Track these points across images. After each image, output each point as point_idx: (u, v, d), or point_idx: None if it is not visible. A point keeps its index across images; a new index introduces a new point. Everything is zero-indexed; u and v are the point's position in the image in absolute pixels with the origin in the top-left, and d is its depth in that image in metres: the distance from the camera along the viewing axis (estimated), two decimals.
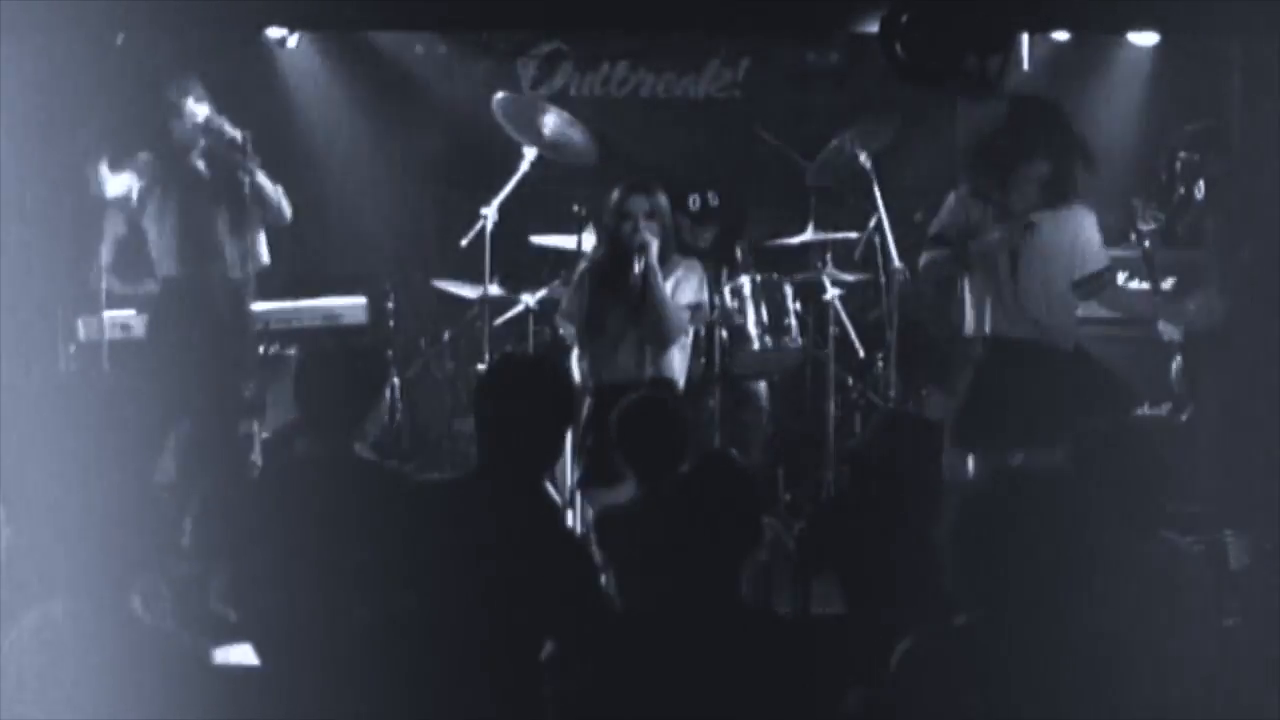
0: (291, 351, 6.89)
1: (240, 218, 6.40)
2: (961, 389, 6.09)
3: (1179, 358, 6.48)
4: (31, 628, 3.41)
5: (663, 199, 6.26)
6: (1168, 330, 6.45)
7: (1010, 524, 3.00)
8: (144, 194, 6.36)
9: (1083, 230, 5.89)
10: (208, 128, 6.31)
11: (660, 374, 6.23)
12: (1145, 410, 7.07)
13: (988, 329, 5.92)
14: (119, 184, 6.38)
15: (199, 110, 6.33)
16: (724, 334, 6.90)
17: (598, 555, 4.80)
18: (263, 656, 4.24)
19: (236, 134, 6.30)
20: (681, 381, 6.35)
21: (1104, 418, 5.76)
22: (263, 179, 6.36)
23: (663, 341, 6.21)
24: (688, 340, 6.42)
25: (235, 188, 6.35)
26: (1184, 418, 6.50)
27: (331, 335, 6.97)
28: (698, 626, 3.39)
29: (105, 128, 6.59)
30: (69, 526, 3.48)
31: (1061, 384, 5.80)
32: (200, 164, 6.40)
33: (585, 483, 6.06)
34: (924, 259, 6.12)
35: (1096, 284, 5.96)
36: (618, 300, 6.24)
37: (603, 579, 4.79)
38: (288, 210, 6.48)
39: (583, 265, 6.46)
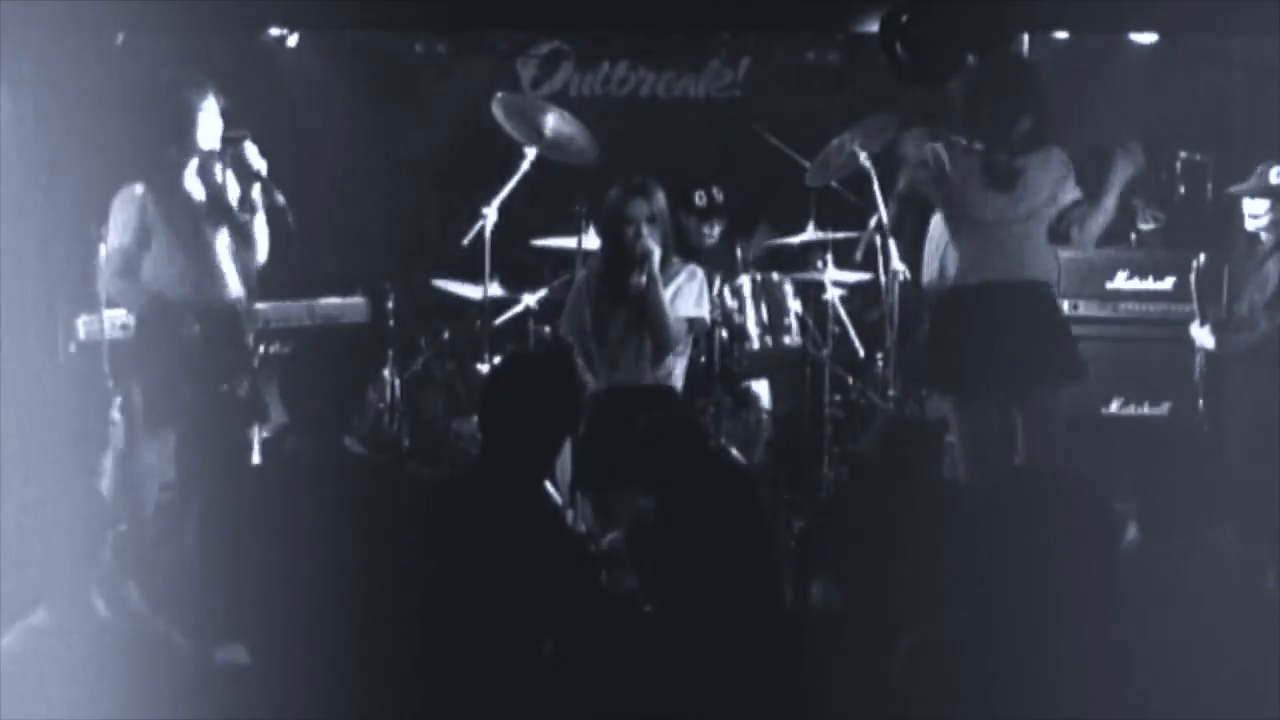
0: (290, 350, 6.89)
1: (239, 240, 6.33)
2: (935, 327, 6.07)
3: (1200, 358, 6.48)
4: (16, 634, 3.41)
5: (662, 202, 6.25)
6: (1200, 336, 6.44)
7: (1013, 523, 3.00)
8: (145, 207, 6.27)
9: (1058, 168, 5.87)
10: (231, 152, 6.20)
11: (659, 380, 6.24)
12: (1144, 410, 7.09)
13: (955, 271, 5.90)
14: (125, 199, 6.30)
15: (215, 126, 6.22)
16: (724, 334, 6.90)
17: (628, 561, 4.82)
18: (257, 656, 4.23)
19: (261, 166, 6.20)
20: (680, 384, 6.35)
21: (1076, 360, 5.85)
22: (260, 221, 6.27)
23: (659, 351, 6.21)
24: (686, 345, 6.43)
25: (235, 213, 6.28)
26: (1197, 419, 6.53)
27: (319, 334, 6.96)
28: (699, 626, 3.39)
29: (108, 138, 6.54)
30: (57, 528, 3.48)
31: (1035, 321, 5.81)
32: (203, 182, 6.30)
33: (585, 484, 6.07)
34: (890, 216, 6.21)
35: (1071, 217, 5.93)
36: (619, 306, 6.24)
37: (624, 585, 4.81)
38: (264, 256, 6.38)
39: (581, 274, 6.46)
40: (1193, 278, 6.58)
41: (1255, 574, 4.22)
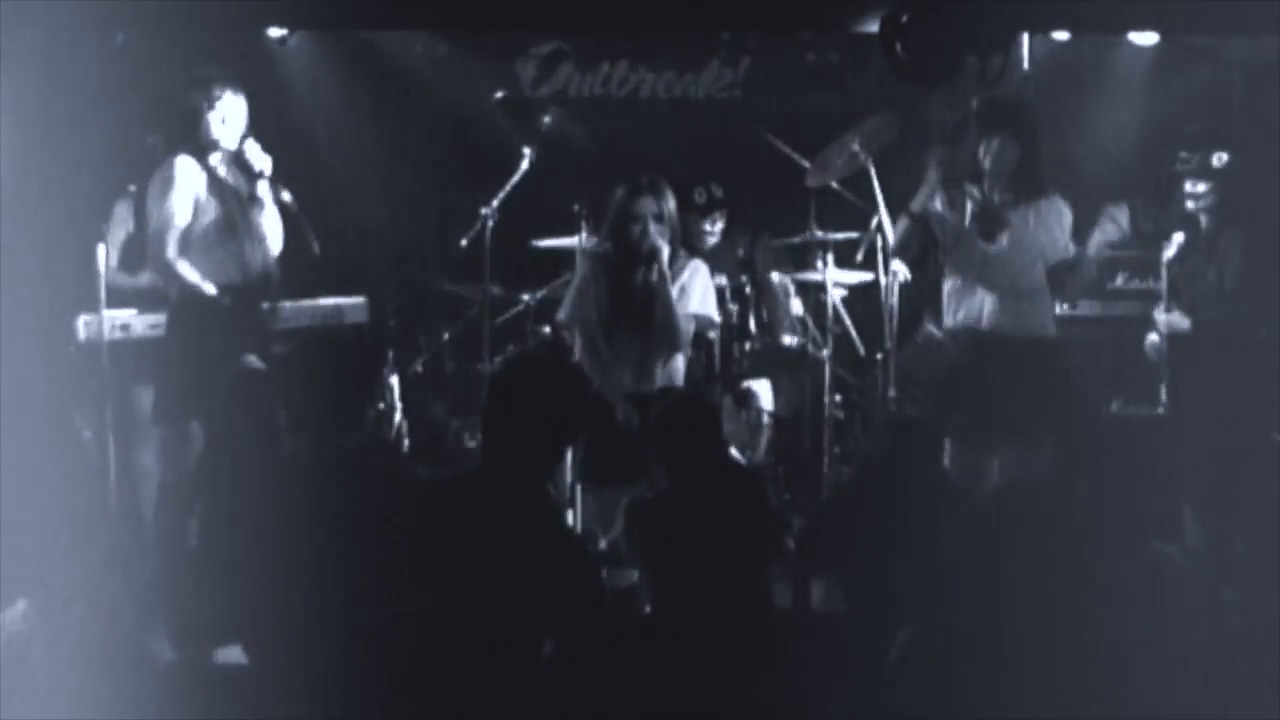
0: (290, 351, 6.88)
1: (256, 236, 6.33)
2: (939, 380, 6.15)
3: (1153, 338, 6.46)
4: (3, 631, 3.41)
5: (670, 199, 6.26)
6: (1171, 321, 6.43)
7: (1008, 529, 3.01)
8: (167, 194, 6.26)
9: (1056, 222, 5.93)
10: (238, 148, 6.20)
11: (671, 380, 6.23)
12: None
13: (961, 318, 6.03)
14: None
15: (236, 119, 6.22)
16: (724, 334, 6.90)
17: (623, 545, 4.82)
18: (254, 657, 4.23)
19: (265, 165, 6.22)
20: (680, 384, 6.34)
21: (1073, 417, 5.89)
22: (267, 217, 6.28)
23: (669, 350, 6.21)
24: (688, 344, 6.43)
25: (252, 209, 6.29)
26: (1159, 411, 6.54)
27: (319, 334, 6.96)
28: (698, 625, 3.40)
29: (108, 138, 6.54)
30: (56, 528, 3.49)
31: (1032, 376, 5.87)
32: (229, 175, 6.30)
33: (586, 482, 6.07)
34: (897, 233, 6.25)
35: (1064, 273, 6.01)
36: (625, 303, 6.23)
37: (627, 574, 4.81)
38: (276, 249, 6.40)
39: (583, 270, 6.44)
40: (1167, 257, 6.54)
41: (1243, 572, 4.24)
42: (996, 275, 5.93)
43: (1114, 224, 5.95)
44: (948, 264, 6.07)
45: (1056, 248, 6.00)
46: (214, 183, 6.21)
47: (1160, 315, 6.43)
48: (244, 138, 6.21)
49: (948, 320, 6.13)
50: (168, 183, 6.14)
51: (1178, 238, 6.47)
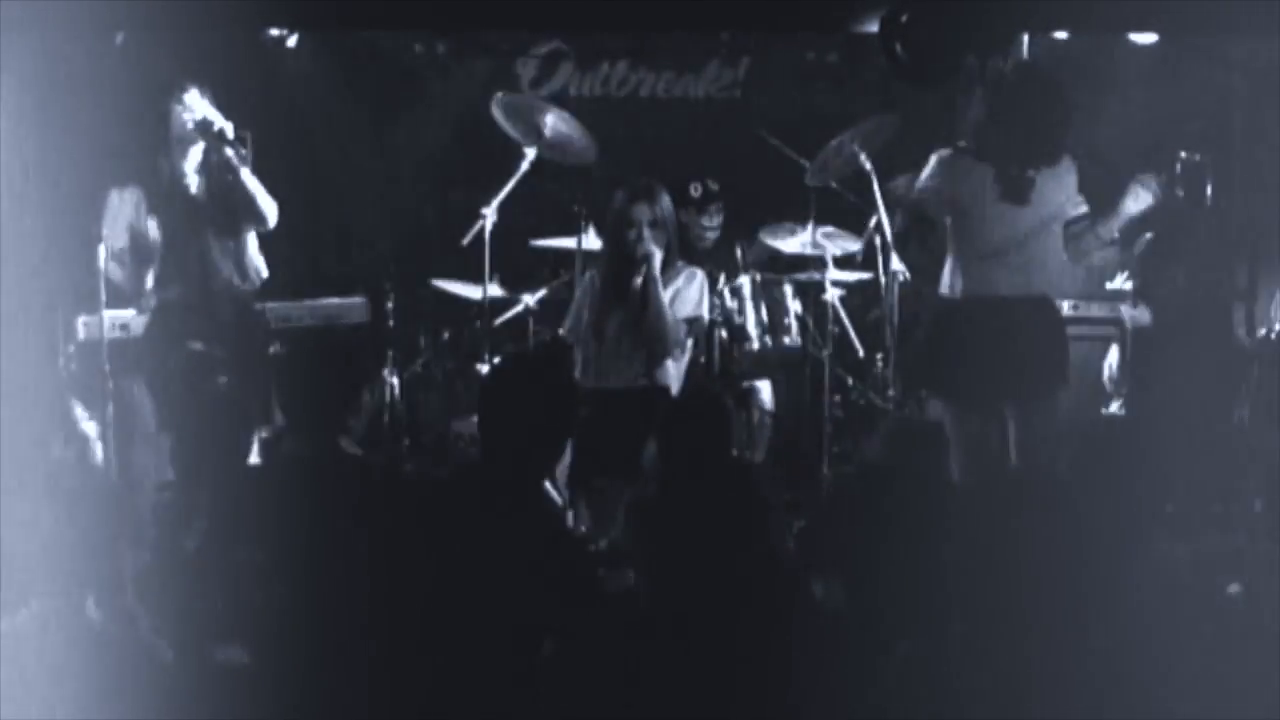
0: (289, 351, 6.88)
1: (234, 230, 6.33)
2: (936, 334, 6.00)
3: (1115, 349, 6.42)
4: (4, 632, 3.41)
5: (666, 204, 6.26)
6: (1137, 315, 6.39)
7: (1010, 529, 3.00)
8: (140, 215, 6.30)
9: (1069, 180, 5.85)
10: (203, 124, 6.21)
11: (655, 381, 6.24)
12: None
13: (973, 288, 5.81)
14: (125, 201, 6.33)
15: (199, 108, 6.23)
16: (724, 334, 6.90)
17: (623, 543, 4.82)
18: (254, 657, 4.23)
19: (227, 125, 6.21)
20: (676, 387, 6.34)
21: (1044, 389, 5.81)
22: (247, 178, 6.25)
23: (658, 354, 6.22)
24: (685, 348, 6.43)
25: (228, 197, 6.28)
26: (1118, 410, 6.51)
27: (319, 334, 6.96)
28: (694, 615, 3.39)
29: (108, 137, 6.56)
30: (56, 528, 3.48)
31: (1036, 332, 5.79)
32: (196, 178, 6.31)
33: (580, 482, 6.07)
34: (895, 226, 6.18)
35: (1070, 232, 5.91)
36: (618, 308, 6.26)
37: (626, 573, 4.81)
38: (272, 216, 6.38)
39: (588, 275, 6.47)
40: (1139, 252, 6.49)
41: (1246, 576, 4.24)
42: (1018, 237, 5.72)
43: (1146, 190, 5.78)
44: (957, 236, 5.85)
45: (1069, 205, 5.82)
46: (176, 189, 6.23)
47: (1128, 310, 6.38)
48: (217, 135, 6.20)
49: (952, 291, 5.90)
50: (112, 212, 6.23)
51: (1146, 236, 6.42)
